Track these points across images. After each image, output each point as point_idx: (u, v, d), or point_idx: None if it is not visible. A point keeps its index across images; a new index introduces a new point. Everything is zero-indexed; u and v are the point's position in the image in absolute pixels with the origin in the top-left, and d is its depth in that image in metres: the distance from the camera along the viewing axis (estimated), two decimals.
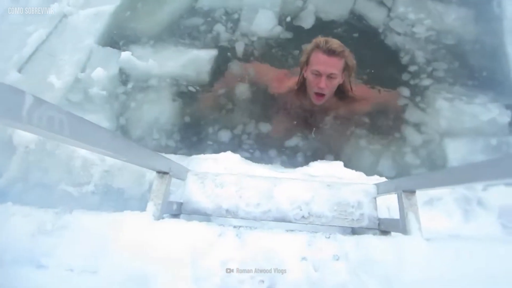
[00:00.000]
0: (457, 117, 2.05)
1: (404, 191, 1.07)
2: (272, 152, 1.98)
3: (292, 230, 1.04)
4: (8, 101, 0.50)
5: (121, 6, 2.57)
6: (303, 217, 1.27)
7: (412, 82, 2.20)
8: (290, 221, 1.27)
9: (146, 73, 2.24)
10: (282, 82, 2.07)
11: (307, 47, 1.81)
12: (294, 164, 1.77)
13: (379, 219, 1.26)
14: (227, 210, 1.29)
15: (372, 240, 0.98)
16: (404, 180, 1.13)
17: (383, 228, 1.23)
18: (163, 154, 1.24)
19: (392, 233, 1.15)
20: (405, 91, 2.16)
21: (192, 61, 2.29)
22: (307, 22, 2.48)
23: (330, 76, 1.74)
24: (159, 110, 2.14)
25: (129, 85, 2.22)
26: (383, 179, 1.52)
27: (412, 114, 2.08)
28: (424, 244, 0.95)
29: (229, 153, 1.68)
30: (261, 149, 1.99)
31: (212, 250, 0.97)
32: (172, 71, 2.26)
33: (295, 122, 2.04)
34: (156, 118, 2.11)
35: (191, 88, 2.22)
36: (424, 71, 2.24)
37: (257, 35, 2.43)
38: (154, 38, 2.43)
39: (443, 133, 2.00)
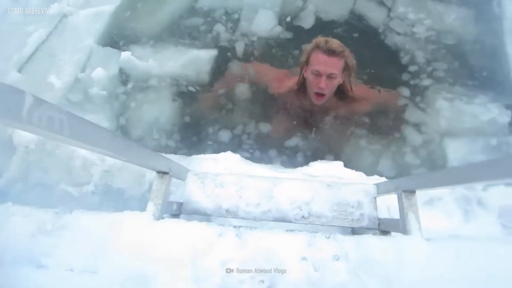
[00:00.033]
0: (457, 117, 2.05)
1: (404, 191, 1.07)
2: (272, 152, 1.98)
3: (292, 230, 1.04)
4: (8, 101, 0.50)
5: (121, 6, 2.57)
6: (303, 217, 1.27)
7: (412, 82, 2.20)
8: (290, 221, 1.27)
9: (146, 73, 2.24)
10: (282, 82, 2.07)
11: (307, 47, 1.81)
12: (294, 164, 1.77)
13: (379, 219, 1.26)
14: (227, 210, 1.29)
15: (372, 240, 0.98)
16: (404, 180, 1.13)
17: (383, 228, 1.23)
18: (163, 154, 1.23)
19: (392, 233, 1.15)
20: (405, 91, 2.16)
21: (192, 61, 2.29)
22: (307, 22, 2.48)
23: (330, 76, 1.74)
24: (159, 110, 2.14)
25: (129, 85, 2.22)
26: (383, 179, 1.52)
27: (412, 114, 2.08)
28: (424, 244, 0.95)
29: (229, 153, 1.68)
30: (261, 149, 1.99)
31: (212, 250, 0.97)
32: (172, 71, 2.26)
33: (295, 122, 2.04)
34: (156, 118, 2.11)
35: (191, 88, 2.22)
36: (424, 71, 2.24)
37: (257, 35, 2.43)
38: (154, 38, 2.43)
39: (443, 133, 2.00)
